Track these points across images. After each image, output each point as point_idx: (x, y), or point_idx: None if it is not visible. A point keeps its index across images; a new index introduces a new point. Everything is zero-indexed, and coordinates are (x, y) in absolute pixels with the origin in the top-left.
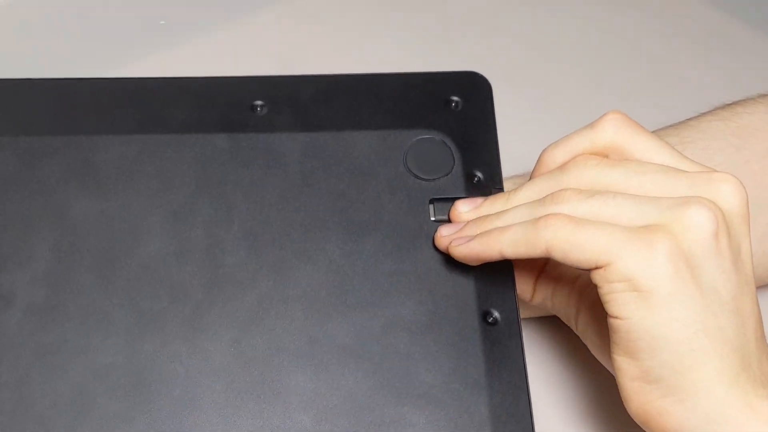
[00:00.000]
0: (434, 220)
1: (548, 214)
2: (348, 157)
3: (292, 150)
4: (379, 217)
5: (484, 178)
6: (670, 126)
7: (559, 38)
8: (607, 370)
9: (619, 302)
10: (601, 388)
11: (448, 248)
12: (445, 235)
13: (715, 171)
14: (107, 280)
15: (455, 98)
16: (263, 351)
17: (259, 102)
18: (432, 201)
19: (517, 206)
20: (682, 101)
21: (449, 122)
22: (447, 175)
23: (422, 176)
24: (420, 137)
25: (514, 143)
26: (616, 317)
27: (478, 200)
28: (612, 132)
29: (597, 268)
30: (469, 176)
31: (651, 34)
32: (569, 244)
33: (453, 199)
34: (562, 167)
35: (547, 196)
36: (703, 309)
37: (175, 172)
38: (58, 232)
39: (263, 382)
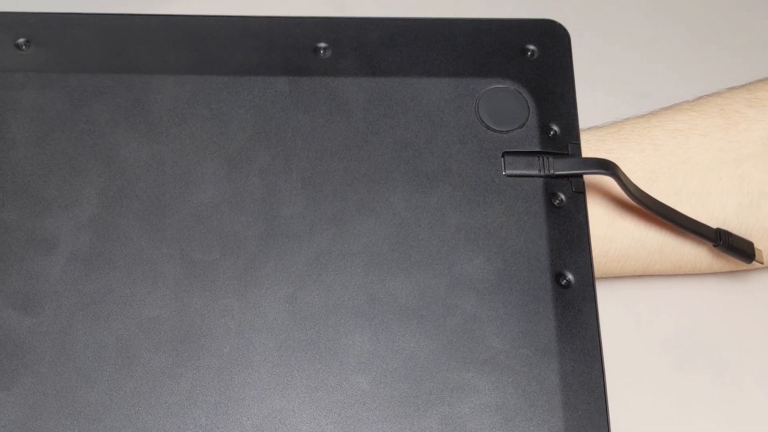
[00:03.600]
0: (506, 175)
1: None
2: (416, 105)
3: (357, 96)
4: (447, 170)
5: (560, 131)
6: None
7: None
8: None
9: None
10: None
11: None
12: None
13: None
14: (156, 229)
15: (531, 47)
16: (320, 308)
17: (322, 44)
18: (504, 154)
19: None
20: None
21: (525, 71)
22: (521, 127)
23: (494, 127)
24: (493, 86)
25: (589, 96)
26: None
27: None
28: None
29: None
30: (544, 129)
31: None
32: None
33: (527, 154)
34: None
35: None
36: None
37: (231, 116)
38: (105, 175)
39: (319, 341)
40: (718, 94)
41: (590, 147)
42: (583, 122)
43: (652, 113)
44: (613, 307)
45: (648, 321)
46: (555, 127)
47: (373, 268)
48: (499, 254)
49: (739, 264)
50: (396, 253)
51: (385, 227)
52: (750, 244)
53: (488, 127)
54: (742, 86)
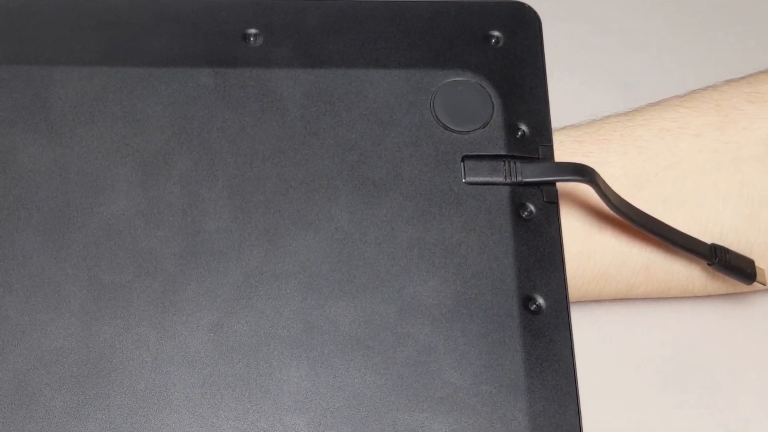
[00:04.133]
0: (466, 182)
1: None
2: (361, 101)
3: (292, 90)
4: (397, 176)
5: (529, 131)
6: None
7: None
8: None
9: None
10: None
11: None
12: None
13: None
14: (59, 245)
15: (496, 33)
16: (249, 338)
17: (252, 30)
18: (464, 158)
19: None
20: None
21: (488, 61)
22: (483, 126)
23: (453, 127)
24: (451, 79)
25: (564, 90)
26: None
27: None
28: None
29: None
30: (511, 129)
31: None
32: None
33: (490, 157)
34: None
35: None
36: None
37: (146, 115)
38: (0, 183)
39: (249, 376)
40: (713, 87)
41: (565, 149)
42: (556, 121)
43: (637, 110)
44: (592, 335)
45: (632, 352)
46: (523, 127)
47: (311, 292)
48: (457, 275)
49: (738, 285)
50: (338, 274)
51: (325, 244)
52: (750, 263)
53: (445, 127)
54: (742, 79)
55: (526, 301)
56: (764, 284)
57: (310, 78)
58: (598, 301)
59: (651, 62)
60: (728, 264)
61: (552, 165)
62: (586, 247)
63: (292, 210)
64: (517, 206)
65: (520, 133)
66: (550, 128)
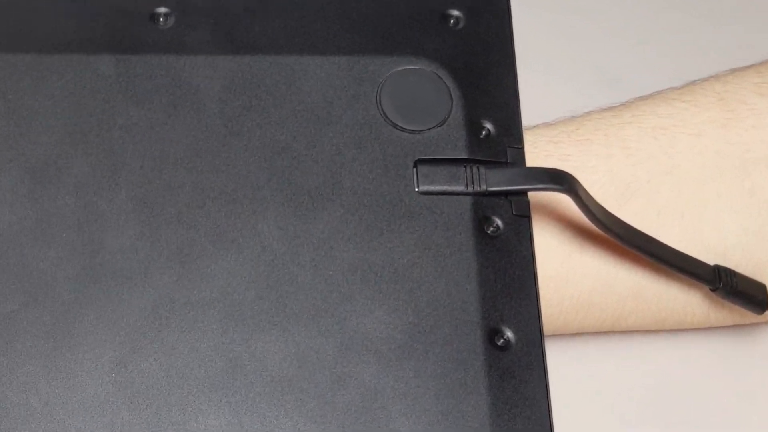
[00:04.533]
0: (420, 192)
1: None
2: (294, 94)
3: (211, 82)
4: (337, 185)
5: (495, 130)
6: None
7: None
8: None
9: None
10: None
11: None
12: None
13: None
14: None
15: (455, 12)
16: (158, 379)
17: (162, 9)
18: (418, 163)
19: None
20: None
21: (445, 46)
22: (440, 124)
23: (403, 125)
24: (401, 68)
25: (537, 81)
26: None
27: None
28: None
29: None
30: (473, 127)
31: None
32: None
33: (448, 162)
34: None
35: None
36: None
37: (35, 111)
38: None
39: (159, 425)
40: (716, 78)
41: (538, 152)
42: (528, 118)
43: (625, 105)
44: (571, 375)
45: (618, 394)
46: (488, 125)
47: (233, 323)
48: (410, 303)
49: (746, 315)
50: (266, 302)
51: (250, 266)
52: (762, 288)
53: (394, 125)
54: (749, 68)
55: (492, 334)
56: None
57: (232, 66)
58: (578, 334)
59: (640, 49)
60: (735, 289)
61: (522, 171)
62: (564, 269)
63: (210, 225)
64: (481, 220)
65: (484, 132)
66: (521, 126)
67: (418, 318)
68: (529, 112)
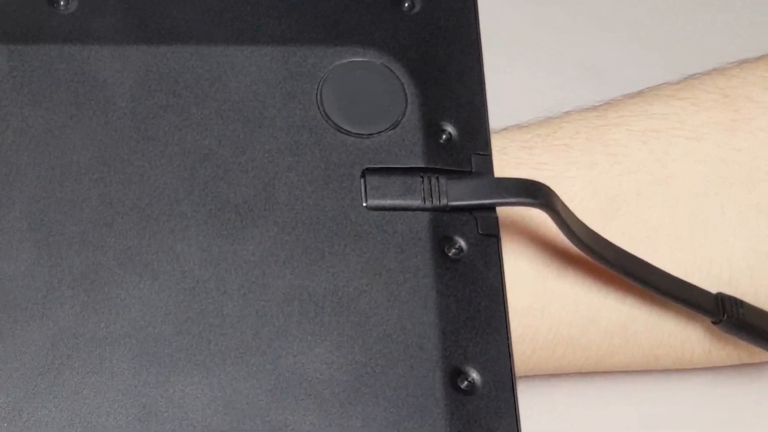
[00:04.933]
0: (369, 207)
1: None
2: (218, 92)
3: (121, 76)
4: (270, 200)
5: (458, 134)
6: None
7: None
8: None
9: None
10: None
11: None
12: None
13: None
14: None
15: None
16: (61, 429)
17: None
18: (366, 173)
19: None
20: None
21: (399, 35)
22: (393, 127)
23: (349, 128)
24: (346, 60)
25: (508, 76)
26: None
27: None
28: None
29: None
30: (432, 130)
31: None
32: None
33: (402, 171)
34: None
35: None
36: None
37: None
38: None
39: None
40: (719, 72)
41: (508, 159)
42: (496, 118)
43: (610, 103)
44: (546, 422)
45: None
46: (449, 128)
47: (147, 363)
48: (356, 339)
49: (754, 352)
50: (185, 338)
51: (167, 295)
52: None
53: (338, 128)
54: (758, 59)
55: (455, 375)
56: None
57: (146, 58)
58: (556, 375)
59: (629, 37)
60: (741, 321)
61: (490, 182)
62: (540, 298)
63: (120, 246)
64: (441, 240)
65: (444, 136)
66: (488, 130)
67: (366, 357)
68: (497, 112)
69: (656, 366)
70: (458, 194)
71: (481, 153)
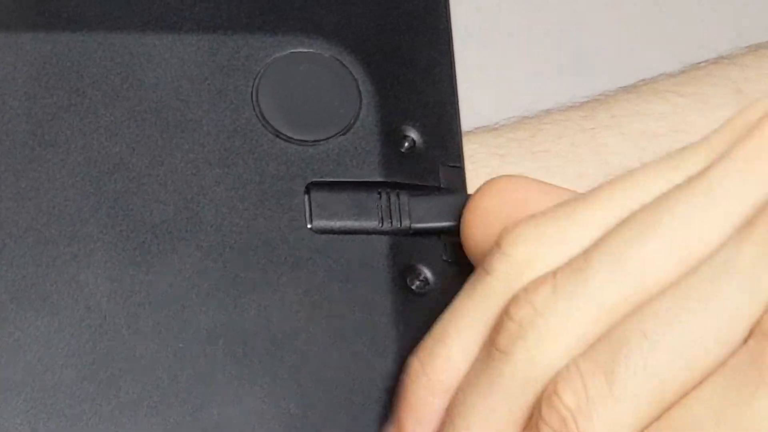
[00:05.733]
0: (314, 229)
1: None
2: (133, 88)
3: (14, 69)
4: (194, 219)
5: (422, 141)
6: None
7: None
8: None
9: None
10: None
11: None
12: None
13: None
14: None
15: None
16: None
17: None
18: (310, 187)
19: None
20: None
21: (351, 21)
22: (344, 132)
23: (290, 134)
24: (287, 51)
25: (482, 70)
26: None
27: None
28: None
29: None
30: (390, 136)
31: None
32: None
33: (354, 186)
34: None
35: None
36: None
37: None
38: None
39: None
40: (731, 60)
41: (476, 169)
42: (469, 120)
43: (600, 100)
44: None
45: None
46: (413, 134)
47: (44, 414)
48: (294, 387)
49: None
50: (90, 385)
51: (68, 333)
52: None
53: (277, 133)
54: None
55: None
56: None
57: (43, 48)
58: None
59: (623, 21)
60: None
61: (462, 200)
62: None
63: (13, 276)
64: (403, 270)
65: (407, 143)
66: (459, 136)
67: (306, 408)
68: (470, 113)
69: None
70: (423, 214)
71: (452, 165)
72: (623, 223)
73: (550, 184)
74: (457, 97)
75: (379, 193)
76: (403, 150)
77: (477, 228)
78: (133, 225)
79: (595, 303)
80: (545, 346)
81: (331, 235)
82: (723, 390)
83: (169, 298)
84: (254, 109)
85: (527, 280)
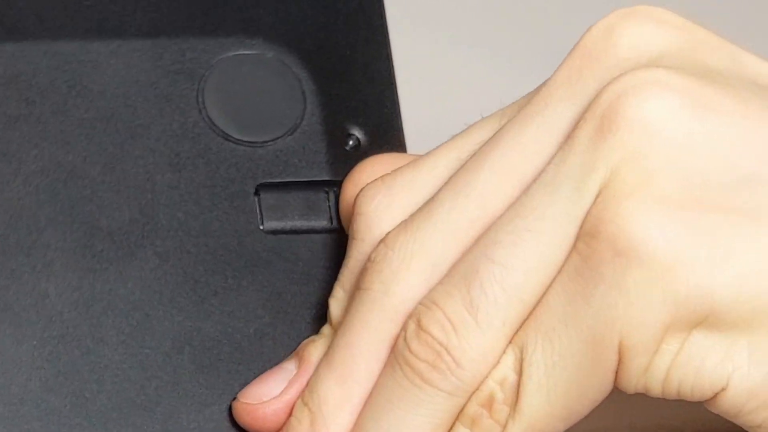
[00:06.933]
0: (266, 230)
1: None
2: (80, 95)
3: None
4: (150, 224)
5: (366, 139)
6: None
7: None
8: None
9: None
10: None
11: None
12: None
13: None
14: None
15: None
16: None
17: None
18: (260, 189)
19: None
20: None
21: (293, 21)
22: (290, 132)
23: (237, 135)
24: (232, 53)
25: (439, 65)
26: None
27: None
28: None
29: None
30: (335, 135)
31: None
32: None
33: (304, 187)
34: None
35: None
36: None
37: None
38: None
39: None
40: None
41: None
42: (440, 124)
43: None
44: None
45: None
46: (357, 132)
47: (7, 428)
48: None
49: None
50: (54, 397)
51: (30, 345)
52: None
53: (225, 136)
54: None
55: None
56: None
57: None
58: None
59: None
60: None
61: None
62: None
63: None
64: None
65: (351, 142)
66: (402, 133)
67: None
68: (441, 113)
69: None
70: None
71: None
72: (465, 162)
73: (417, 155)
74: (396, 94)
75: (327, 192)
76: (347, 148)
77: (349, 204)
78: (90, 232)
79: (442, 228)
80: (400, 276)
81: (282, 235)
82: (564, 294)
83: (132, 306)
84: (201, 112)
85: (386, 230)
